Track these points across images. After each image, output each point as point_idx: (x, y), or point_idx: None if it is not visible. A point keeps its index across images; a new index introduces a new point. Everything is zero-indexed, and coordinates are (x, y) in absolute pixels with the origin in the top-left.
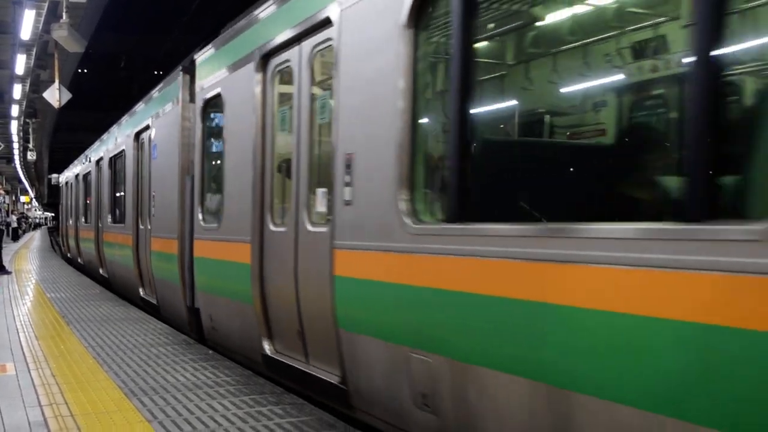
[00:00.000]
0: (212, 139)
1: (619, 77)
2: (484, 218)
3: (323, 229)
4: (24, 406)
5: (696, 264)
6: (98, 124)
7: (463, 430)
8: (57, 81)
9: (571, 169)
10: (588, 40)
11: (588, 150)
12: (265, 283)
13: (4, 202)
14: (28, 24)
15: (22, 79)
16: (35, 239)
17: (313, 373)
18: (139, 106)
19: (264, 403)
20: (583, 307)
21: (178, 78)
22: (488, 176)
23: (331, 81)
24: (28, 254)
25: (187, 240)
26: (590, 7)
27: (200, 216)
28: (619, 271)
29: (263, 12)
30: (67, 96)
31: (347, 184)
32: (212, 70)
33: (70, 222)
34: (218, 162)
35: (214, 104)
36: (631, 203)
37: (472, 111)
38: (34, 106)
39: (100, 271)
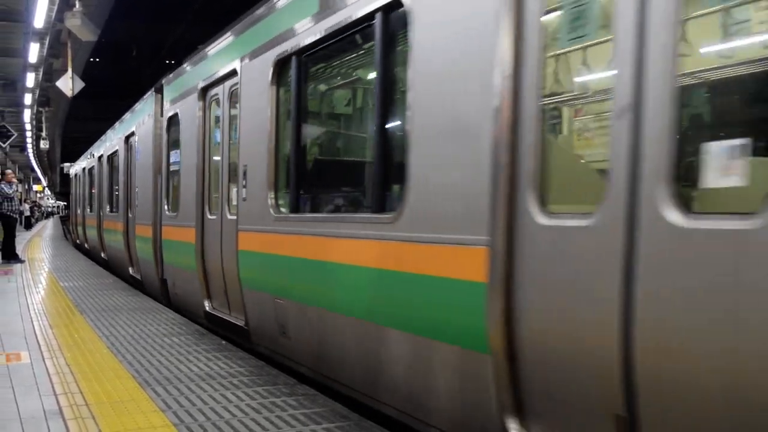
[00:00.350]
0: (173, 147)
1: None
2: (305, 210)
3: (234, 217)
4: (39, 394)
5: (373, 235)
6: (110, 113)
7: (302, 345)
8: (70, 70)
9: (335, 179)
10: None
11: (335, 165)
12: (205, 257)
13: (17, 190)
14: (41, 12)
15: (35, 68)
16: (48, 228)
17: (231, 320)
18: (128, 115)
19: (277, 393)
20: (341, 262)
21: (152, 96)
22: (307, 183)
23: (237, 112)
24: (41, 243)
25: (159, 226)
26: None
27: (166, 207)
28: (351, 241)
29: (202, 55)
30: (79, 85)
31: (244, 186)
32: (173, 94)
33: (79, 211)
34: (176, 165)
35: (174, 121)
36: (352, 201)
37: (303, 139)
38: (47, 94)
39: (102, 254)
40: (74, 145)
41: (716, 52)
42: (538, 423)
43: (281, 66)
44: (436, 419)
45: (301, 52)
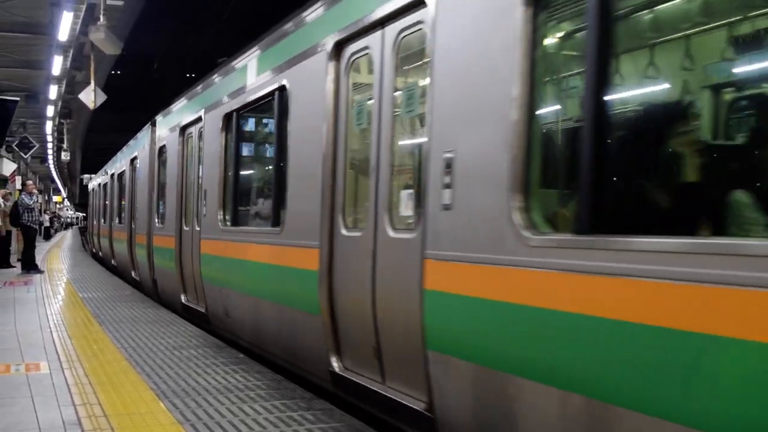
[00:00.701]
0: (162, 173)
1: None
2: (237, 224)
3: (198, 228)
4: (58, 404)
5: (269, 241)
6: (130, 125)
7: (236, 321)
8: (92, 82)
9: (253, 202)
10: None
11: (253, 192)
12: (182, 260)
13: (38, 201)
14: (65, 26)
15: (58, 80)
16: (67, 238)
17: (197, 308)
18: (133, 141)
19: (294, 408)
20: (251, 260)
21: (148, 129)
22: (239, 204)
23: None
24: (60, 253)
25: (151, 235)
26: None
27: (156, 220)
28: (258, 246)
29: (183, 101)
30: (102, 97)
31: (204, 205)
32: (162, 128)
33: (95, 222)
34: (163, 186)
35: (163, 150)
36: (262, 218)
37: (236, 172)
38: (69, 106)
39: (112, 261)
40: (95, 156)
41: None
42: (346, 357)
43: (227, 119)
44: (300, 360)
45: (238, 110)
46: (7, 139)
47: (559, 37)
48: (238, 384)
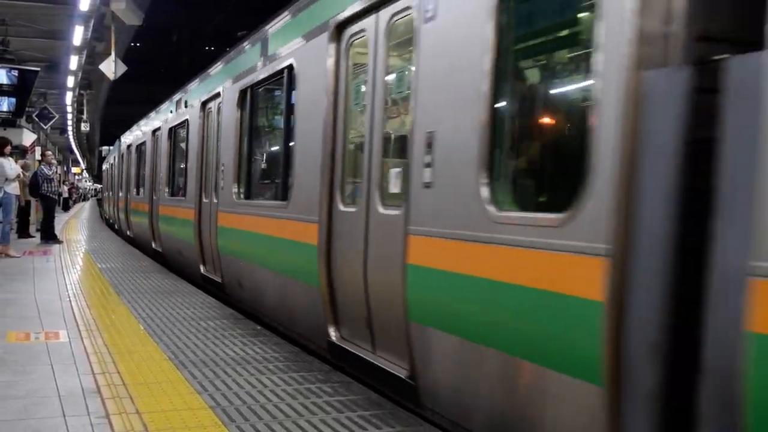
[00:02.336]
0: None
1: None
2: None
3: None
4: (77, 372)
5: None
6: (148, 97)
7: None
8: (113, 53)
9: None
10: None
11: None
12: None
13: (57, 172)
14: None
15: (78, 51)
16: (85, 209)
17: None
18: (153, 113)
19: (312, 380)
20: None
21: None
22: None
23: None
24: (78, 224)
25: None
26: None
27: (166, 190)
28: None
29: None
30: (122, 68)
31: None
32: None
33: (110, 194)
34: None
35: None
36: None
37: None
38: (88, 77)
39: (128, 233)
40: (113, 128)
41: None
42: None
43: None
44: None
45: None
46: (27, 109)
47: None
48: (256, 355)
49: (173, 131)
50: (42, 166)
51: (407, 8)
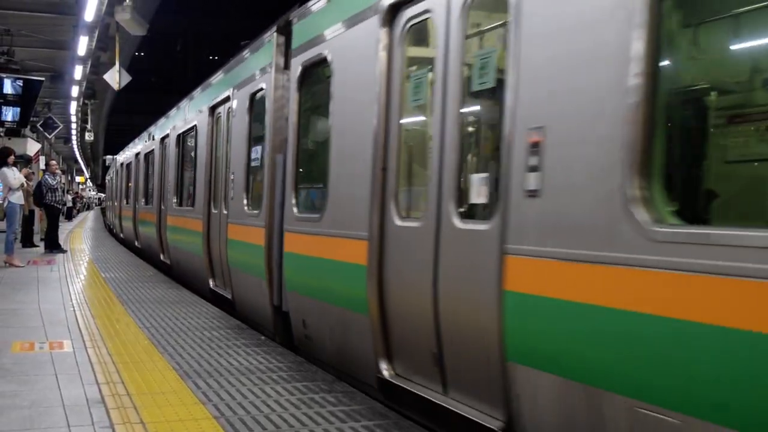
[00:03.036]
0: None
1: None
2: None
3: (225, 212)
4: (82, 383)
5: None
6: (153, 106)
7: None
8: (117, 63)
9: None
10: None
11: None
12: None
13: (61, 181)
14: (91, 5)
15: (83, 61)
16: (89, 219)
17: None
18: (162, 120)
19: (316, 390)
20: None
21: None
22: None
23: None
24: (82, 233)
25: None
26: None
27: (174, 199)
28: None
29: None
30: (126, 78)
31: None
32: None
33: (115, 203)
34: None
35: (193, 131)
36: None
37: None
38: (93, 87)
39: (136, 243)
40: (117, 137)
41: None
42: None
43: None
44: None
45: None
46: (31, 119)
47: None
48: (260, 365)
49: (181, 138)
50: (46, 176)
51: None
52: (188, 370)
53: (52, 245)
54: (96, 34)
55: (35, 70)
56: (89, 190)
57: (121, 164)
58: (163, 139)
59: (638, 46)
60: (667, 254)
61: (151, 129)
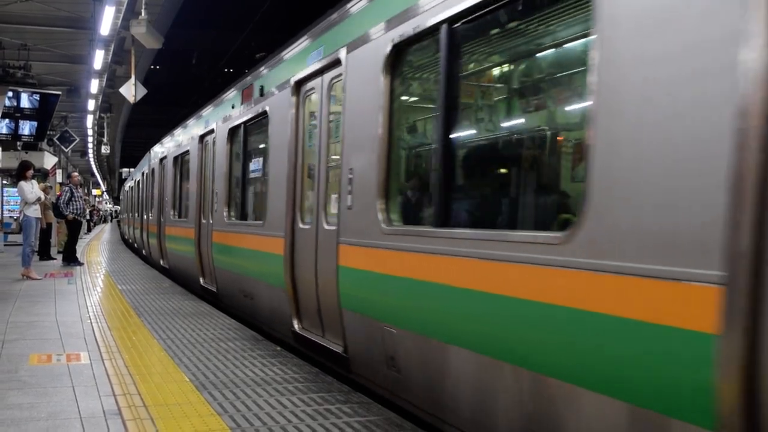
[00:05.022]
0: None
1: None
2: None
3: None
4: (98, 394)
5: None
6: (168, 119)
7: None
8: (133, 77)
9: None
10: None
11: None
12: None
13: (82, 195)
14: (107, 20)
15: (99, 75)
16: (105, 231)
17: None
18: (168, 138)
19: (332, 401)
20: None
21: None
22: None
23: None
24: (99, 246)
25: (164, 225)
26: None
27: (172, 212)
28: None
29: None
30: (142, 92)
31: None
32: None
33: (129, 216)
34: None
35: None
36: None
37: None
38: (109, 101)
39: (143, 252)
40: (133, 150)
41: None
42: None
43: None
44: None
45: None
46: (48, 132)
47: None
48: (276, 376)
49: (178, 160)
50: (69, 188)
51: None
52: (204, 382)
53: (70, 258)
54: (112, 48)
55: (52, 85)
56: (106, 203)
57: (133, 180)
58: (162, 159)
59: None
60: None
61: (155, 149)
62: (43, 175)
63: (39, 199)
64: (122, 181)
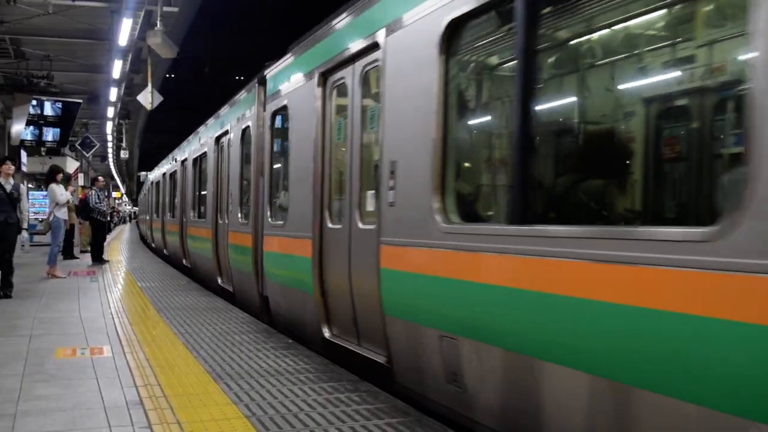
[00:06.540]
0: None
1: None
2: None
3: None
4: (121, 386)
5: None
6: (183, 125)
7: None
8: (150, 85)
9: None
10: None
11: None
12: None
13: (106, 196)
14: (125, 31)
15: (117, 83)
16: (125, 231)
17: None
18: (186, 142)
19: (342, 390)
20: None
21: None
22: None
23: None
24: (120, 245)
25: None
26: None
27: (190, 213)
28: None
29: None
30: (158, 99)
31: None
32: (206, 136)
33: (145, 217)
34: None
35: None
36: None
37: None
38: (127, 108)
39: (152, 245)
40: (151, 154)
41: None
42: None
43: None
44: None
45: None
46: (70, 138)
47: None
48: (288, 367)
49: (197, 162)
50: (93, 191)
51: None
52: (220, 373)
53: (98, 257)
54: (129, 58)
55: (73, 93)
56: (125, 205)
57: (151, 183)
58: (183, 161)
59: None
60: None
61: (174, 153)
62: (66, 178)
63: (68, 201)
64: (140, 184)
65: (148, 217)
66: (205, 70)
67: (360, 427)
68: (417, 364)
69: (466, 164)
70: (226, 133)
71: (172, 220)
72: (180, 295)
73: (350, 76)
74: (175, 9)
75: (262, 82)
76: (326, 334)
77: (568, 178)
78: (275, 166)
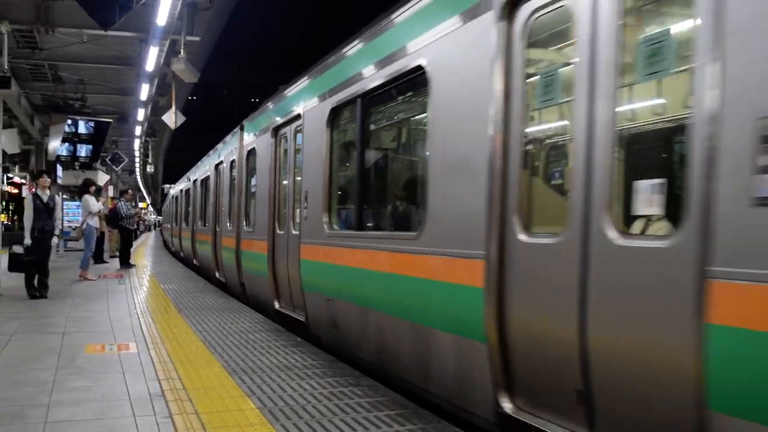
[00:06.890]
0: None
1: None
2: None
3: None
4: (145, 379)
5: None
6: (203, 143)
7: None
8: (173, 106)
9: None
10: None
11: None
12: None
13: (134, 205)
14: (151, 58)
15: (144, 104)
16: (150, 238)
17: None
18: (193, 170)
19: (345, 384)
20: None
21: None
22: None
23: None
24: (145, 251)
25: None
26: None
27: (199, 222)
28: None
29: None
30: (181, 119)
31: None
32: (204, 168)
33: (168, 225)
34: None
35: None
36: None
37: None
38: (153, 127)
39: (172, 248)
40: (173, 169)
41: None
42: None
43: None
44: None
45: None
46: (101, 154)
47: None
48: (297, 363)
49: (203, 182)
50: (122, 202)
51: None
52: (235, 368)
53: (125, 261)
54: (155, 82)
55: (104, 113)
56: (150, 214)
57: (172, 196)
58: (194, 181)
59: None
60: None
61: (188, 173)
62: (97, 190)
63: (100, 210)
64: (164, 195)
65: (169, 225)
66: (224, 93)
67: (362, 419)
68: (318, 318)
69: (339, 193)
70: (221, 162)
71: (186, 228)
72: (199, 297)
73: (289, 132)
74: (198, 38)
75: (242, 128)
76: (276, 306)
77: (378, 204)
78: (250, 189)
